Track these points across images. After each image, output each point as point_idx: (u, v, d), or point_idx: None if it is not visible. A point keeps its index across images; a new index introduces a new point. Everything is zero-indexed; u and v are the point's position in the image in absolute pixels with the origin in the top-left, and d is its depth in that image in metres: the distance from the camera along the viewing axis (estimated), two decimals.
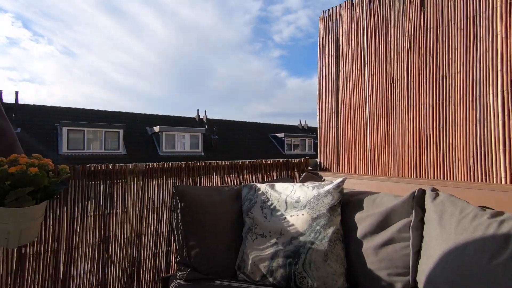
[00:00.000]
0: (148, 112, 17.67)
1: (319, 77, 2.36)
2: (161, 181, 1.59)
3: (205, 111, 19.15)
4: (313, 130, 22.88)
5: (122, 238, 1.49)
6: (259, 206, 1.54)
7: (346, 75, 2.13)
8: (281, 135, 20.12)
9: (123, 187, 1.48)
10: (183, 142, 16.16)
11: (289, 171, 2.14)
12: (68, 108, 15.34)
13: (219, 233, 1.49)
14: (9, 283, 1.21)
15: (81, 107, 15.74)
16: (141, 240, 1.54)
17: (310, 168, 2.27)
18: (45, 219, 1.28)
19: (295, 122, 24.60)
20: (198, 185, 1.74)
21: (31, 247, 1.26)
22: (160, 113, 18.24)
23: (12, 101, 13.83)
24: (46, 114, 14.03)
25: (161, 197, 1.61)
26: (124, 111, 16.87)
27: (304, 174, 2.01)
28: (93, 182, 1.39)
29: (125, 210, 1.49)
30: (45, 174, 1.05)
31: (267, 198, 1.54)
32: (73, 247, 1.35)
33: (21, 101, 14.16)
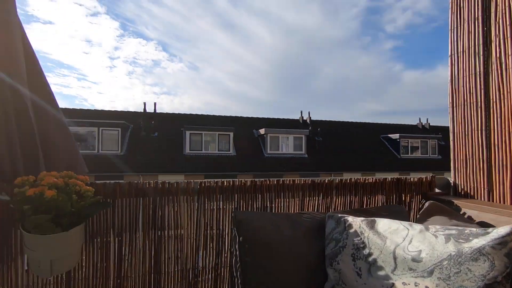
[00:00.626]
0: (255, 116, 18.59)
1: (451, 57, 1.59)
2: (221, 202, 1.28)
3: (309, 113, 18.69)
4: (437, 130, 19.04)
5: (176, 269, 1.24)
6: (349, 254, 1.02)
7: (507, 47, 1.32)
8: (395, 136, 17.53)
9: (175, 209, 1.23)
10: (287, 144, 16.18)
11: (402, 194, 1.49)
12: (190, 114, 17.74)
13: (288, 284, 1.05)
14: None
15: (200, 113, 17.97)
16: (198, 273, 1.26)
17: (437, 190, 1.53)
18: (90, 243, 1.15)
19: (412, 121, 21.01)
20: (269, 210, 1.34)
21: (79, 272, 1.15)
22: (266, 116, 18.89)
23: (152, 110, 17.00)
24: (175, 120, 16.59)
25: (220, 223, 1.29)
26: (234, 115, 18.31)
27: (427, 203, 1.32)
28: (141, 201, 1.19)
29: (179, 235, 1.23)
30: (65, 197, 0.87)
31: (363, 243, 1.00)
32: (122, 275, 1.18)
33: (159, 110, 17.27)
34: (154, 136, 15.26)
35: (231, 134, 15.60)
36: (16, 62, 1.08)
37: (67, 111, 15.71)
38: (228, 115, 18.36)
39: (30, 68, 1.17)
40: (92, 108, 19.08)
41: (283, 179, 1.34)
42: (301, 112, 18.98)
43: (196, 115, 17.87)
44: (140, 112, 16.70)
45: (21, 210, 0.85)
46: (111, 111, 16.78)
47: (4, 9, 1.08)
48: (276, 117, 19.09)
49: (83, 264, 1.15)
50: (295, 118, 19.21)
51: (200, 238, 1.26)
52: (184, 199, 1.23)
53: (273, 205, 1.34)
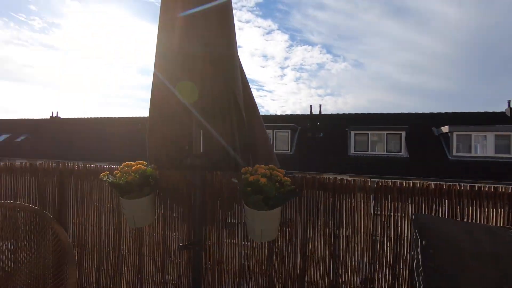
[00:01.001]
0: (435, 111, 15.69)
1: None
2: (399, 203, 1.26)
3: None
4: None
5: (353, 259, 1.34)
6: None
7: None
8: None
9: (352, 204, 1.33)
10: (484, 144, 12.63)
11: None
12: (355, 114, 17.29)
13: None
14: (263, 268, 1.49)
15: (366, 112, 17.16)
16: (374, 269, 1.31)
17: None
18: (284, 223, 1.44)
19: None
20: (459, 218, 1.19)
21: (276, 243, 1.47)
22: (450, 110, 15.55)
23: (317, 112, 17.87)
24: (339, 121, 16.70)
25: (398, 224, 1.27)
26: (406, 112, 16.23)
27: None
28: (322, 194, 1.37)
29: (355, 230, 1.33)
30: (272, 185, 1.17)
31: None
32: (307, 254, 1.41)
33: (323, 111, 17.95)
34: (319, 136, 16.00)
35: (403, 133, 13.92)
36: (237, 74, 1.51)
37: None
38: (399, 112, 16.48)
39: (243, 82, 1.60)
40: (268, 114, 22.36)
41: (480, 185, 1.15)
42: (509, 102, 14.27)
43: (362, 114, 17.19)
44: (307, 114, 17.93)
45: (245, 191, 1.22)
46: (282, 115, 19.00)
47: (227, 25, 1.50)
48: (465, 110, 15.33)
49: (278, 239, 1.47)
50: (498, 111, 14.68)
51: (376, 235, 1.30)
52: (361, 196, 1.32)
53: (465, 213, 1.18)
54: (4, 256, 1.75)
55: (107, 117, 24.99)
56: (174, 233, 1.66)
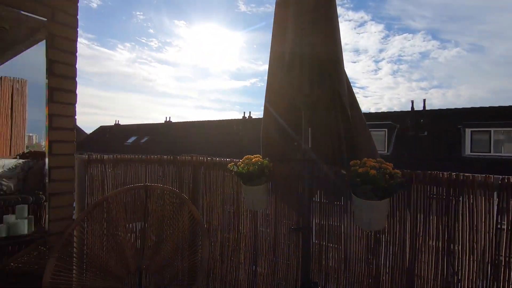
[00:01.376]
0: None
1: None
2: None
3: None
4: None
5: (471, 259, 1.29)
6: None
7: None
8: None
9: (470, 201, 1.28)
10: None
11: None
12: (472, 108, 14.64)
13: None
14: (369, 257, 1.57)
15: (487, 105, 14.31)
16: (498, 270, 1.23)
17: None
18: (392, 215, 1.48)
19: None
20: None
21: (383, 234, 1.53)
22: None
23: (421, 108, 15.88)
24: (449, 116, 14.45)
25: None
26: None
27: None
28: (434, 190, 1.36)
29: (474, 226, 1.27)
30: (381, 176, 1.25)
31: None
32: (417, 248, 1.42)
33: (428, 107, 15.84)
34: (423, 135, 14.22)
35: None
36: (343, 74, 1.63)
37: None
38: None
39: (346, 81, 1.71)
40: None
41: None
42: None
43: (481, 108, 14.40)
44: (407, 111, 16.14)
45: (354, 182, 1.34)
46: (377, 112, 17.61)
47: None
48: None
49: (385, 230, 1.52)
50: None
51: (499, 233, 1.22)
52: (481, 193, 1.26)
53: None
54: (154, 228, 2.33)
55: (208, 120, 28.09)
56: (284, 220, 1.89)
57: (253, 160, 1.74)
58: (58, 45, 1.88)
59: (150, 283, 2.11)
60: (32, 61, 2.25)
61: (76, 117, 1.97)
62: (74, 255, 1.91)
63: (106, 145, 30.53)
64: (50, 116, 1.85)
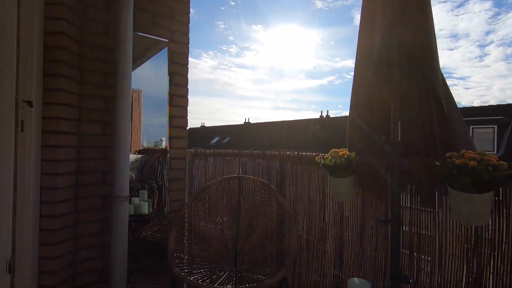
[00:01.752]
0: None
1: None
2: None
3: None
4: None
5: None
6: None
7: None
8: None
9: None
10: None
11: None
12: None
13: None
14: (469, 255, 1.49)
15: None
16: None
17: None
18: (495, 212, 1.38)
19: None
20: None
21: (486, 233, 1.43)
22: None
23: None
24: None
25: None
26: None
27: None
28: None
29: None
30: (483, 168, 1.21)
31: None
32: None
33: None
34: None
35: None
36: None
37: None
38: None
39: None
40: (459, 106, 18.23)
41: None
42: None
43: None
44: None
45: (449, 173, 1.32)
46: (482, 106, 15.00)
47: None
48: None
49: (489, 228, 1.43)
50: None
51: None
52: None
53: None
54: (246, 214, 2.62)
55: (285, 120, 28.50)
56: (372, 212, 1.93)
57: (340, 153, 1.84)
58: (175, 60, 2.34)
59: (244, 261, 2.41)
60: (146, 74, 2.82)
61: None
62: (185, 230, 2.34)
63: (194, 145, 33.98)
64: (171, 117, 2.32)
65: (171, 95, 2.32)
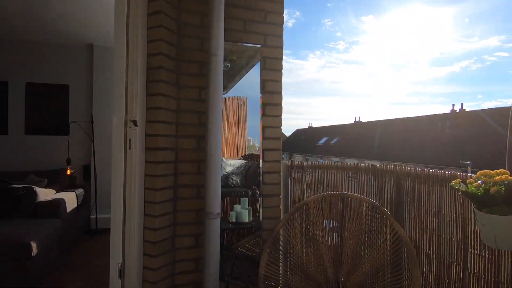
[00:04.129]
0: None
1: None
2: None
3: None
4: None
5: None
6: None
7: None
8: None
9: None
10: None
11: None
12: None
13: None
14: None
15: None
16: None
17: None
18: None
19: None
20: None
21: None
22: None
23: None
24: None
25: None
26: None
27: None
28: None
29: None
30: None
31: None
32: None
33: None
34: None
35: None
36: None
37: None
38: None
39: None
40: None
41: None
42: None
43: None
44: None
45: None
46: None
47: None
48: None
49: None
50: None
51: None
52: None
53: None
54: (351, 241, 2.18)
55: (402, 118, 25.04)
56: None
57: (497, 178, 1.22)
58: (268, 66, 2.16)
59: None
60: (250, 82, 2.76)
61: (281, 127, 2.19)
62: (280, 252, 2.12)
63: (301, 146, 34.22)
64: (263, 128, 2.15)
65: (264, 104, 2.15)
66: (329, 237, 2.17)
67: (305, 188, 2.43)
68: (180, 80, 1.96)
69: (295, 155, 33.99)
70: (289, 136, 42.33)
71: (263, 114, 2.15)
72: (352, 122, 30.83)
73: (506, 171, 1.27)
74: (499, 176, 1.22)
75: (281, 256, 2.10)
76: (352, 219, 2.14)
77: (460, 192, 1.35)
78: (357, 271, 1.98)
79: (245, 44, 2.15)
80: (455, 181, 1.39)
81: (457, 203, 1.62)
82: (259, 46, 2.16)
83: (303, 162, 2.43)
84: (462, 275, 1.60)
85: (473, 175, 1.46)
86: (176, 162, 1.93)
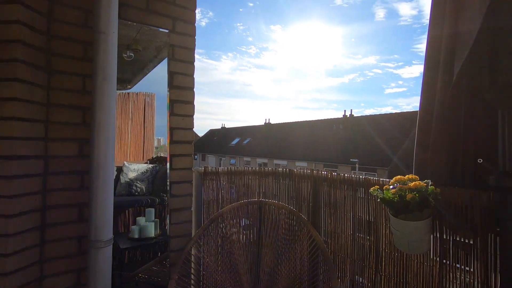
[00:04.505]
0: None
1: None
2: None
3: None
4: None
5: None
6: None
7: None
8: None
9: None
10: None
11: None
12: None
13: None
14: None
15: None
16: None
17: None
18: None
19: None
20: None
21: None
22: None
23: None
24: None
25: None
26: None
27: None
28: None
29: None
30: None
31: None
32: None
33: None
34: None
35: None
36: None
37: None
38: None
39: None
40: None
41: None
42: None
43: None
44: None
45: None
46: None
47: None
48: None
49: None
50: None
51: None
52: None
53: None
54: (268, 251, 2.05)
55: (306, 120, 27.67)
56: (458, 272, 1.30)
57: (411, 184, 1.23)
58: (177, 56, 1.82)
59: None
60: (158, 77, 2.36)
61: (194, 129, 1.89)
62: (192, 276, 1.81)
63: (214, 146, 34.00)
64: (171, 130, 1.80)
65: (172, 101, 1.81)
66: (246, 249, 1.98)
67: (220, 197, 2.19)
68: (53, 63, 1.44)
69: (208, 155, 33.57)
70: (202, 136, 41.62)
71: (172, 113, 1.80)
72: (263, 123, 32.40)
73: (416, 176, 1.30)
74: (413, 183, 1.23)
75: (192, 281, 1.79)
76: (270, 229, 2.01)
77: (379, 199, 1.33)
78: (276, 280, 1.85)
79: (149, 27, 1.76)
80: (373, 188, 1.37)
81: (370, 207, 1.64)
82: (167, 31, 1.80)
83: (218, 168, 2.18)
84: (374, 277, 1.63)
85: (387, 180, 1.48)
86: (45, 175, 1.41)
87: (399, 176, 1.32)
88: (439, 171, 1.32)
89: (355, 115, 23.99)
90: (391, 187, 1.29)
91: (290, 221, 1.99)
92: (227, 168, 2.20)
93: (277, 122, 31.30)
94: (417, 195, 1.20)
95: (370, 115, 23.59)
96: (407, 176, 1.31)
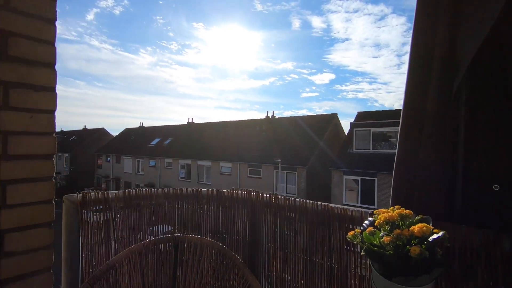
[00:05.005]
0: None
1: None
2: None
3: None
4: None
5: None
6: None
7: None
8: None
9: None
10: None
11: None
12: None
13: None
14: None
15: None
16: None
17: None
18: None
19: None
20: None
21: None
22: None
23: None
24: None
25: None
26: None
27: None
28: None
29: None
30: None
31: None
32: None
33: None
34: None
35: None
36: None
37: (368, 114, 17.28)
38: None
39: None
40: (381, 109, 19.88)
41: None
42: None
43: None
44: None
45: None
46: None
47: None
48: None
49: None
50: None
51: None
52: None
53: None
54: None
55: (230, 120, 27.41)
56: None
57: (415, 229, 0.78)
58: (18, 6, 1.03)
59: None
60: None
61: (55, 135, 1.11)
62: None
63: (130, 147, 30.74)
64: (5, 135, 1.00)
65: (7, 85, 1.00)
66: None
67: (112, 236, 1.44)
68: None
69: (123, 157, 30.17)
70: (117, 135, 37.39)
71: (6, 106, 1.00)
72: (186, 123, 30.82)
73: (410, 212, 0.87)
74: (417, 226, 0.78)
75: None
76: (190, 276, 1.38)
77: (362, 252, 0.85)
78: None
79: None
80: (350, 233, 0.88)
81: (332, 247, 1.17)
82: None
83: (108, 194, 1.42)
84: None
85: (357, 210, 1.03)
86: None
87: (385, 211, 0.87)
88: (431, 200, 0.93)
89: (276, 116, 24.83)
90: (381, 231, 0.82)
91: (219, 264, 1.41)
92: (125, 191, 1.47)
93: (201, 122, 30.22)
94: (423, 247, 0.76)
95: (289, 116, 24.87)
96: (398, 210, 0.87)
